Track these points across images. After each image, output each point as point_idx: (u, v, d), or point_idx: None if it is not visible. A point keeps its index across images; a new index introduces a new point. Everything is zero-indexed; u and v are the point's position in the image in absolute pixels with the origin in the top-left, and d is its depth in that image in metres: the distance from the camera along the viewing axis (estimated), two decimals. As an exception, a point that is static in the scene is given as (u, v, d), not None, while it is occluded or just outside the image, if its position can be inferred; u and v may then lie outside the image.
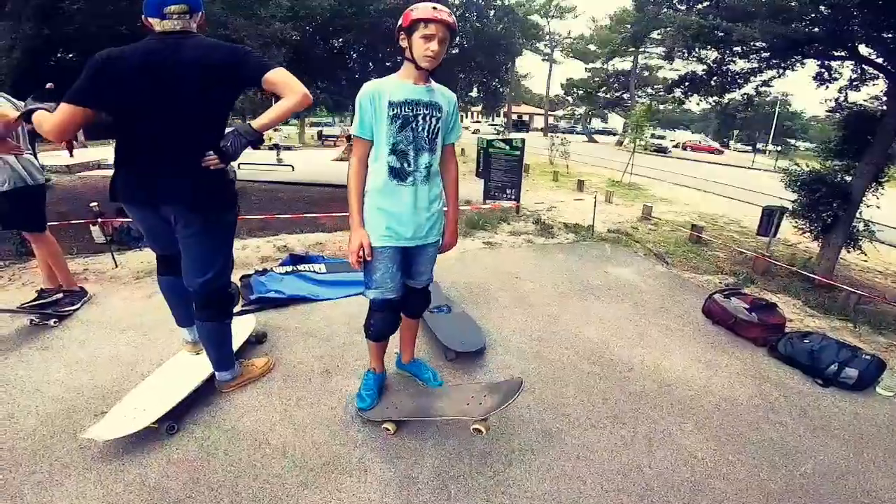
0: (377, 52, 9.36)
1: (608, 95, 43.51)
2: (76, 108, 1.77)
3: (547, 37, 42.90)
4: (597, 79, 43.60)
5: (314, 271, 3.95)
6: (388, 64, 10.36)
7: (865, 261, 8.33)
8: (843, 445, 2.35)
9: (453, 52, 13.20)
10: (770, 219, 7.56)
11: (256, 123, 1.84)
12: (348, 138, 26.08)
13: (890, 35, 6.37)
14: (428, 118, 1.90)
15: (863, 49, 7.08)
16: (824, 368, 2.91)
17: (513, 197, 8.85)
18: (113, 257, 4.52)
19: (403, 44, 1.85)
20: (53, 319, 3.14)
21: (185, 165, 1.87)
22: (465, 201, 10.08)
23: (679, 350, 3.24)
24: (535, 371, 2.81)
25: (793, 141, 47.12)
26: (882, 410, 2.68)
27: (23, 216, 3.27)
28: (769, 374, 3.02)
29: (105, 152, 21.14)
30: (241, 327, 2.91)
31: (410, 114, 1.87)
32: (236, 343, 2.71)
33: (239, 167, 17.10)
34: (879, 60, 7.01)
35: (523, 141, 8.91)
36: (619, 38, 34.03)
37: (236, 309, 3.27)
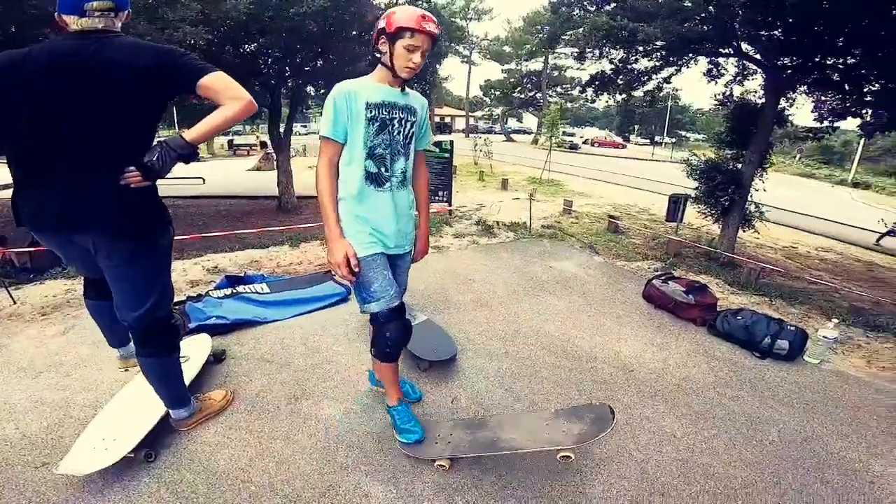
0: (295, 57, 8.90)
1: (522, 95, 45.31)
2: None
3: (465, 39, 43.71)
4: (512, 79, 45.20)
5: (256, 292, 3.66)
6: (307, 69, 9.94)
7: (758, 238, 9.39)
8: (796, 413, 2.58)
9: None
10: (676, 206, 8.30)
11: (189, 135, 1.59)
12: (263, 145, 24.74)
13: (765, 33, 7.22)
14: (404, 122, 1.82)
15: (745, 46, 7.96)
16: (759, 342, 3.20)
17: (445, 199, 8.88)
18: (9, 293, 3.89)
19: (383, 48, 1.73)
20: None
21: (103, 184, 1.57)
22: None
23: (632, 336, 3.41)
24: (508, 370, 2.82)
25: (684, 133, 52.08)
26: (815, 378, 2.99)
27: None
28: (714, 351, 3.26)
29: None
30: (197, 349, 2.65)
31: (387, 116, 1.77)
32: (194, 368, 2.48)
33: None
34: (757, 56, 7.93)
35: (452, 143, 8.95)
36: (535, 39, 35.53)
37: None
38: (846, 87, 7.38)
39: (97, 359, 2.80)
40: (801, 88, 7.99)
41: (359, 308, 1.91)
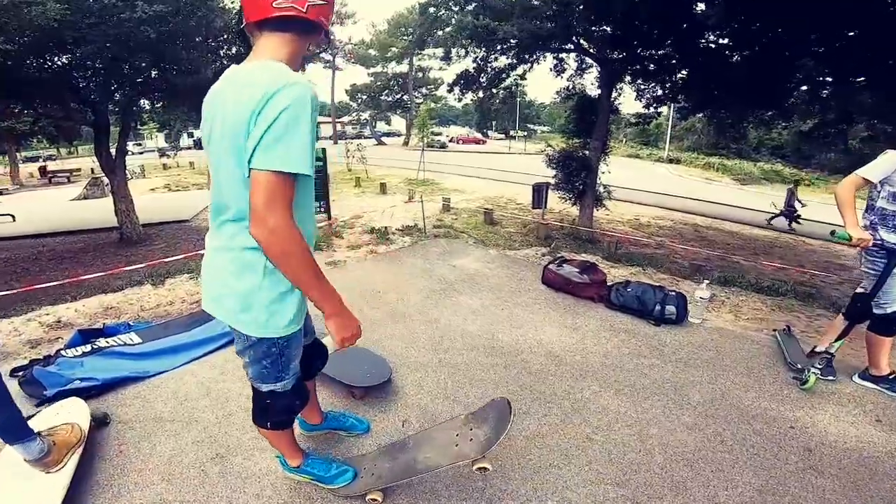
0: (122, 67, 7.51)
1: (390, 98, 45.30)
2: None
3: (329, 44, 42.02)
4: (378, 83, 44.86)
5: (126, 343, 2.99)
6: (139, 80, 8.55)
7: (608, 214, 10.58)
8: (702, 372, 2.84)
9: (225, 62, 11.70)
10: (539, 193, 8.96)
11: None
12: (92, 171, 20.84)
13: (597, 29, 8.16)
14: None
15: (583, 43, 8.88)
16: (651, 310, 3.51)
17: (323, 210, 8.37)
18: None
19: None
20: None
21: None
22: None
23: (546, 322, 3.51)
24: (448, 377, 2.69)
25: (533, 126, 56.93)
26: (703, 337, 3.34)
27: None
28: (617, 324, 3.51)
29: None
30: (75, 414, 2.08)
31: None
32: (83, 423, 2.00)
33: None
34: (593, 51, 8.90)
35: (324, 151, 8.49)
36: (400, 41, 35.48)
37: (27, 413, 2.29)
38: (663, 76, 8.66)
39: None
40: (627, 79, 9.17)
41: (258, 386, 1.52)
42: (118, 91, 8.58)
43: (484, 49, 9.42)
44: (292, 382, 1.53)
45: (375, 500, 1.76)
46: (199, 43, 7.87)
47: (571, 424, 2.29)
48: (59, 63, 7.42)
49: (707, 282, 3.83)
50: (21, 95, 7.58)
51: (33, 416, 2.21)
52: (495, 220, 8.60)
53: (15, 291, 4.19)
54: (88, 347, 2.90)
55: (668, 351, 3.11)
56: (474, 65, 9.97)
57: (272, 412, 1.56)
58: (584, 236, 7.78)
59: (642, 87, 9.37)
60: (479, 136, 50.02)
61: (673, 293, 3.63)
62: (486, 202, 11.33)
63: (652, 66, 8.40)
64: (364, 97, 47.15)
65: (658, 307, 3.50)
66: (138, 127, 13.51)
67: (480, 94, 11.62)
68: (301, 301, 1.39)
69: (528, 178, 11.58)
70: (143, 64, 7.80)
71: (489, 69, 10.03)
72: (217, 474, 1.95)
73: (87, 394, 2.47)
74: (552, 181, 9.12)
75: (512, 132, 51.15)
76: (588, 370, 2.82)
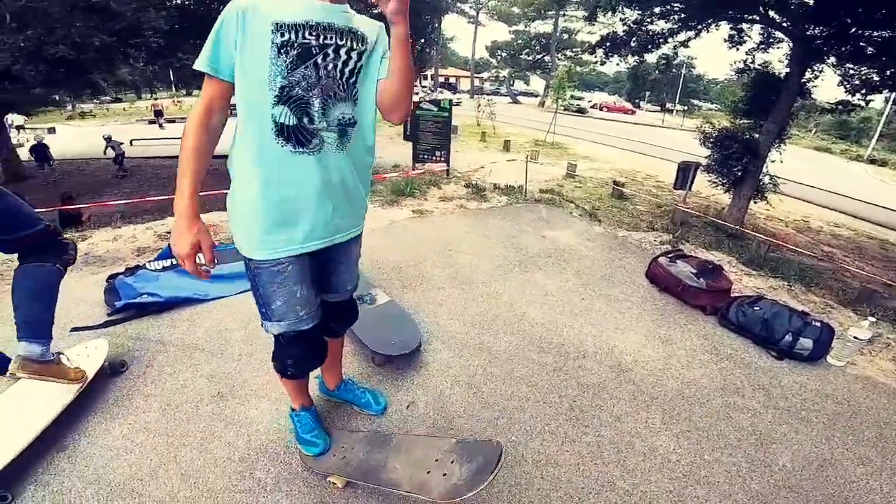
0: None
1: (530, 58, 43.41)
2: None
3: (473, -1, 41.57)
4: (520, 41, 43.23)
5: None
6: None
7: (769, 210, 8.83)
8: (813, 429, 2.11)
9: (374, 11, 11.98)
10: (685, 173, 7.72)
11: None
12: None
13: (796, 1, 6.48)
14: (344, 51, 1.20)
15: (772, 14, 7.18)
16: (779, 339, 2.69)
17: (443, 159, 8.32)
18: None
19: None
20: None
21: None
22: (393, 165, 9.44)
23: (631, 326, 2.90)
24: (480, 367, 2.34)
25: (697, 102, 50.25)
26: (839, 385, 2.49)
27: None
28: (724, 347, 2.76)
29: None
30: (89, 355, 2.12)
31: (314, 42, 1.16)
32: (89, 371, 1.98)
33: (132, 143, 14.90)
34: (786, 25, 7.15)
35: (451, 102, 8.30)
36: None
37: (97, 322, 2.51)
38: (883, 59, 6.63)
39: (11, 346, 2.38)
40: (830, 60, 7.26)
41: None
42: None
43: (637, 10, 8.17)
44: (284, 330, 1.37)
45: (335, 483, 1.57)
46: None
47: (599, 461, 1.81)
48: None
49: (873, 319, 2.83)
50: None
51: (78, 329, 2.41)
52: (625, 195, 7.68)
53: (150, 199, 4.77)
54: (168, 262, 3.09)
55: (777, 394, 2.35)
56: (624, 28, 8.73)
57: (275, 355, 1.52)
58: (727, 230, 6.51)
59: (851, 71, 7.36)
60: (627, 105, 45.56)
61: (817, 323, 2.74)
62: (618, 174, 10.24)
63: (870, 48, 6.46)
64: (504, 55, 45.60)
65: (789, 337, 2.67)
66: None
67: (629, 60, 10.25)
68: (274, 227, 1.24)
69: (677, 156, 10.12)
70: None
71: (642, 33, 8.71)
72: (206, 414, 1.92)
73: (148, 309, 2.63)
74: (704, 161, 7.82)
75: (670, 105, 45.69)
76: (657, 397, 2.23)
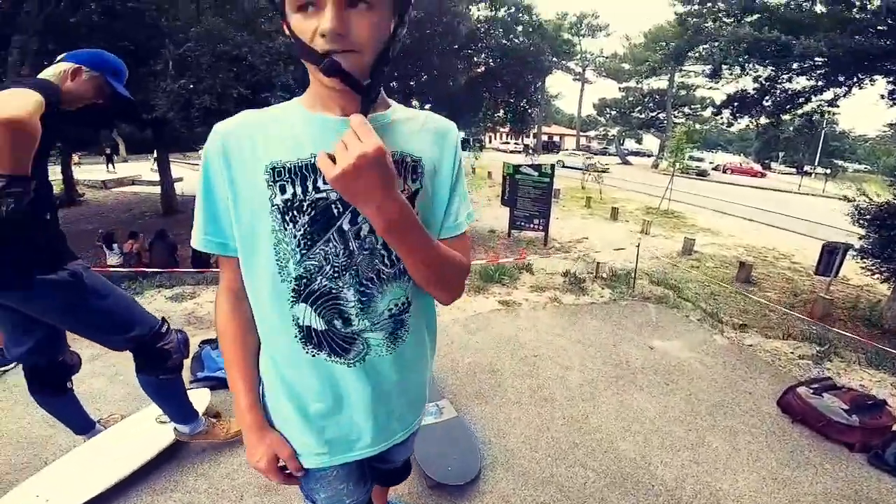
0: (396, 73, 8.87)
1: (643, 115, 42.71)
2: None
3: (578, 55, 42.61)
4: (631, 98, 42.96)
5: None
6: (410, 83, 9.93)
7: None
8: None
9: (479, 70, 12.82)
10: (832, 256, 6.73)
11: None
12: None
13: None
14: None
15: None
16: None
17: (541, 227, 8.20)
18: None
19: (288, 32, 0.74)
20: None
21: None
22: (489, 230, 9.49)
23: (747, 465, 2.42)
24: (549, 504, 2.06)
25: (841, 162, 45.06)
26: None
27: None
28: (870, 493, 2.21)
29: (140, 168, 21.59)
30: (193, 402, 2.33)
31: (333, 195, 0.77)
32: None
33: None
34: None
35: (553, 167, 8.25)
36: (657, 55, 33.44)
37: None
38: None
39: (108, 394, 2.71)
40: None
41: None
42: (397, 93, 10.18)
43: (770, 67, 7.65)
44: None
45: None
46: (447, 50, 8.59)
47: None
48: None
49: None
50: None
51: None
52: (752, 279, 6.89)
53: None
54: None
55: None
56: (755, 85, 8.20)
57: None
58: (885, 325, 5.46)
59: None
60: (756, 167, 42.14)
61: None
62: (745, 251, 9.29)
63: None
64: (613, 112, 45.31)
65: None
66: None
67: (762, 121, 9.53)
68: (315, 442, 0.93)
69: (820, 231, 8.93)
70: (408, 68, 8.99)
71: (777, 91, 8.10)
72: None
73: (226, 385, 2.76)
74: (857, 243, 6.76)
75: (808, 167, 41.40)
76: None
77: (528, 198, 8.21)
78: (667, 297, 5.32)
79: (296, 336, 0.83)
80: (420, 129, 0.85)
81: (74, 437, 2.18)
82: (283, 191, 0.76)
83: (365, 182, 0.65)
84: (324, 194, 0.76)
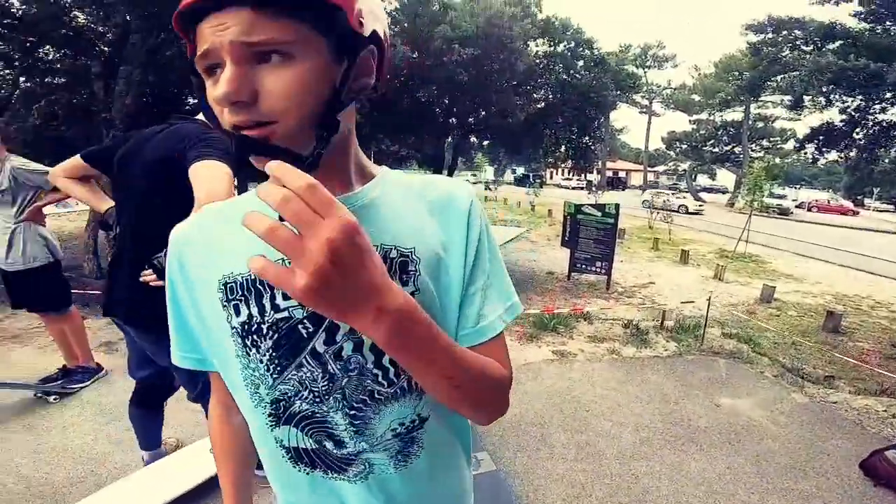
0: (452, 107, 9.18)
1: (716, 149, 41.00)
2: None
3: (644, 88, 42.02)
4: (703, 131, 41.51)
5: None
6: (469, 119, 10.22)
7: None
8: None
9: (538, 106, 12.95)
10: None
11: None
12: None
13: None
14: None
15: None
16: None
17: (603, 270, 7.92)
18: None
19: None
20: (54, 396, 3.12)
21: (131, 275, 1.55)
22: (546, 272, 9.29)
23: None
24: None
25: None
26: None
27: (52, 293, 3.12)
28: None
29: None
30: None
31: (298, 312, 0.61)
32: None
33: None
34: None
35: (618, 207, 8.01)
36: (729, 86, 32.33)
37: None
38: None
39: (170, 417, 2.85)
40: None
41: None
42: (456, 130, 10.49)
43: (860, 97, 7.16)
44: None
45: None
46: (505, 86, 8.75)
47: None
48: (422, 98, 9.56)
49: None
50: (410, 129, 10.14)
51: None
52: (841, 329, 6.25)
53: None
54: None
55: None
56: (843, 117, 7.68)
57: None
58: None
59: None
60: (846, 204, 38.89)
61: None
62: (833, 299, 8.48)
63: None
64: (683, 146, 43.80)
65: None
66: (473, 160, 16.48)
67: (852, 155, 8.86)
68: None
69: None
70: (466, 104, 9.25)
71: (870, 123, 7.54)
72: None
73: None
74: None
75: (910, 204, 37.70)
76: None
77: (591, 239, 7.99)
78: (740, 351, 4.91)
79: (283, 457, 0.69)
80: (414, 203, 0.66)
81: (129, 456, 2.41)
82: (237, 312, 0.62)
83: (344, 283, 0.43)
84: (285, 313, 0.61)
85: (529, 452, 2.83)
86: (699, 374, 4.20)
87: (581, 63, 11.35)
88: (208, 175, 1.35)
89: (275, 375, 0.63)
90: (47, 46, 8.07)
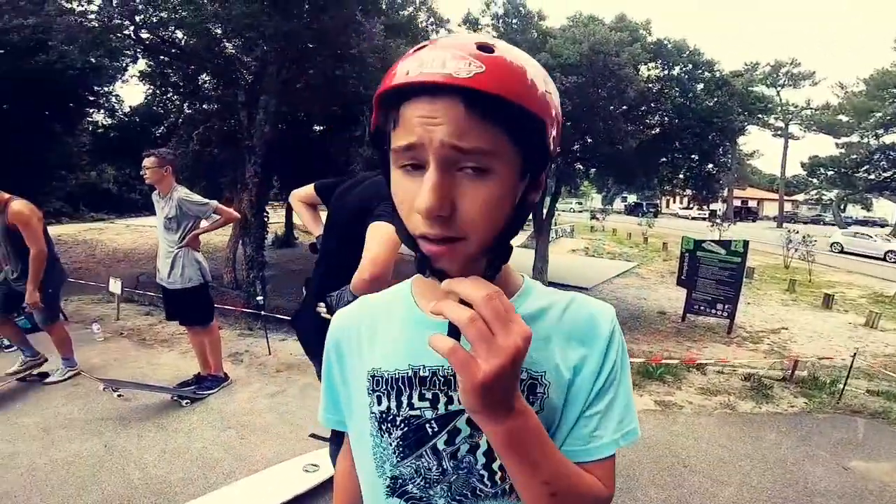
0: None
1: (872, 176, 35.64)
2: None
3: (778, 109, 38.13)
4: (854, 156, 36.40)
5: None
6: (573, 148, 10.08)
7: None
8: None
9: (652, 132, 12.28)
10: None
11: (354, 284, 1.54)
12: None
13: None
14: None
15: None
16: None
17: (725, 314, 7.15)
18: (268, 343, 4.78)
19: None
20: (186, 400, 3.46)
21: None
22: (658, 312, 8.65)
23: None
24: None
25: None
26: None
27: (200, 310, 3.63)
28: None
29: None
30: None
31: (429, 412, 0.68)
32: (330, 470, 2.47)
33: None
34: None
35: (746, 244, 7.24)
36: (887, 106, 28.24)
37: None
38: None
39: (274, 430, 3.15)
40: None
41: None
42: (558, 158, 10.44)
43: None
44: None
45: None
46: (613, 113, 8.48)
47: None
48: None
49: None
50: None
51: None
52: None
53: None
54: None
55: None
56: None
57: None
58: None
59: None
60: None
61: None
62: None
63: None
64: (829, 172, 38.50)
65: None
66: (579, 188, 16.00)
67: None
68: None
69: None
70: (571, 132, 9.13)
71: None
72: None
73: None
74: None
75: None
76: None
77: (712, 279, 7.29)
78: (888, 410, 4.16)
79: None
80: (556, 325, 0.67)
81: (237, 464, 2.68)
82: (379, 402, 0.71)
83: (508, 385, 0.48)
84: (418, 412, 0.68)
85: (612, 504, 2.62)
86: (829, 435, 3.63)
87: (701, 86, 10.63)
88: (378, 238, 1.52)
89: (399, 458, 0.70)
90: (204, 75, 9.46)
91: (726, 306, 7.02)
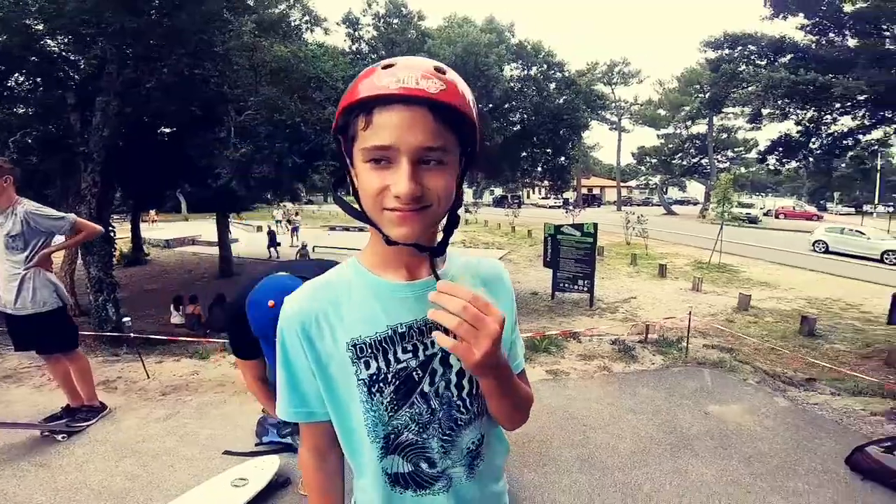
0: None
1: (685, 162, 42.58)
2: None
3: (613, 105, 43.42)
4: (670, 145, 42.99)
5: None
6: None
7: None
8: None
9: (514, 128, 13.45)
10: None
11: None
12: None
13: None
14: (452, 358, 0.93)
15: None
16: None
17: (585, 288, 8.26)
18: (144, 367, 4.43)
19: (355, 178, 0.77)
20: (62, 434, 3.13)
21: None
22: (531, 293, 9.61)
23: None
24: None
25: (906, 198, 42.89)
26: None
27: (61, 336, 3.22)
28: None
29: (200, 228, 23.39)
30: (263, 468, 2.61)
31: (413, 362, 0.84)
32: (249, 493, 2.42)
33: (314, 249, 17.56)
34: None
35: (596, 226, 8.41)
36: (693, 100, 33.73)
37: (245, 450, 2.99)
38: None
39: (172, 457, 2.96)
40: None
41: None
42: None
43: (812, 109, 7.82)
44: None
45: None
46: (482, 111, 9.28)
47: None
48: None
49: None
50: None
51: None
52: (817, 332, 6.71)
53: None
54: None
55: None
56: (799, 128, 8.36)
57: None
58: None
59: None
60: (811, 209, 40.91)
61: None
62: (807, 303, 9.03)
63: None
64: (653, 161, 45.36)
65: None
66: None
67: (809, 164, 9.59)
68: None
69: (888, 275, 8.64)
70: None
71: (822, 133, 8.23)
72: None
73: (292, 449, 2.93)
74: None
75: (868, 206, 39.68)
76: None
77: (572, 258, 8.32)
78: (723, 360, 5.22)
79: (385, 482, 0.90)
80: (477, 279, 0.92)
81: (148, 493, 2.55)
82: (367, 366, 0.82)
83: (491, 361, 0.71)
84: (404, 363, 0.84)
85: (535, 468, 3.02)
86: (686, 385, 4.47)
87: (553, 85, 11.94)
88: None
89: (391, 413, 0.84)
90: (18, 76, 8.11)
91: (586, 282, 8.08)
